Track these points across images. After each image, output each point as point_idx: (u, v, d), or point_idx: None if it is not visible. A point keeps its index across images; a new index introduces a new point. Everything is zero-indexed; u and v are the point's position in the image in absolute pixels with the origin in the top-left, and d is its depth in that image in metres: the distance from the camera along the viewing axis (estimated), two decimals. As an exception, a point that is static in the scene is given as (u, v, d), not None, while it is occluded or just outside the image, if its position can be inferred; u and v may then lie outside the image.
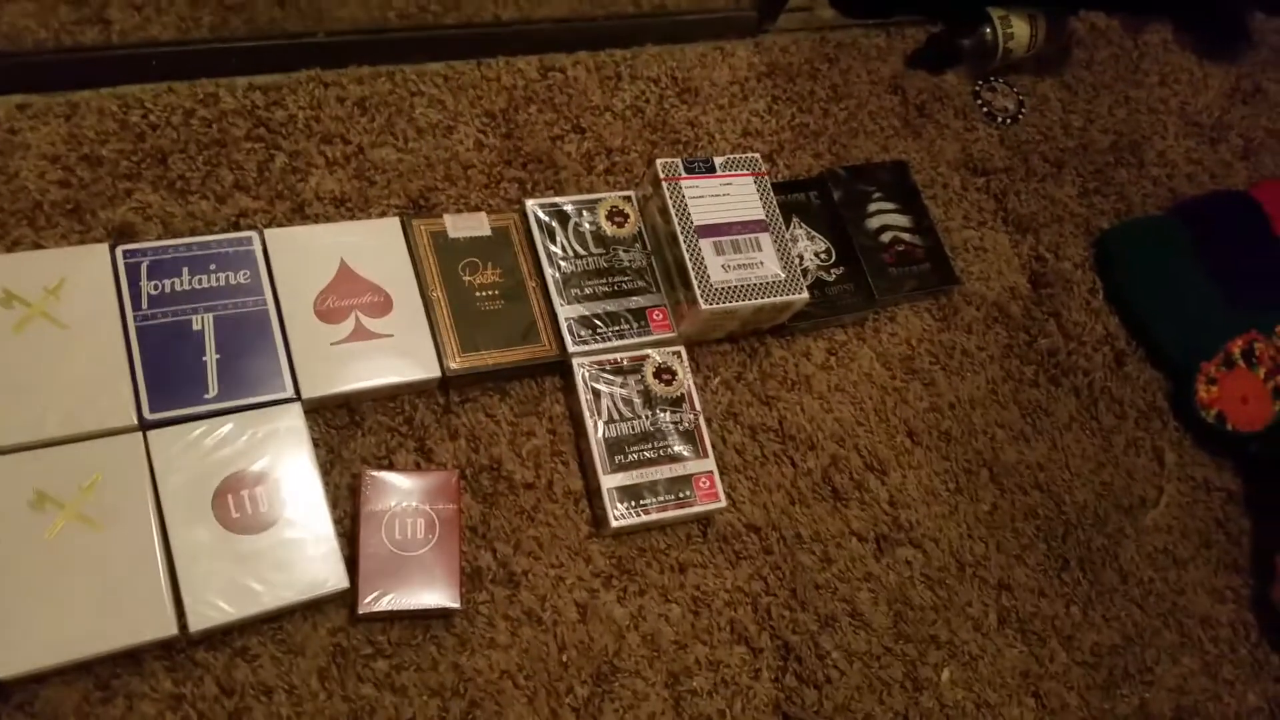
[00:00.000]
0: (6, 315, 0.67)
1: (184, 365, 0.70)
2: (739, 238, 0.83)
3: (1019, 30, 1.11)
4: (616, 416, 0.80)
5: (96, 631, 0.62)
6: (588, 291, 0.83)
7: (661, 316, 0.84)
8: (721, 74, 1.01)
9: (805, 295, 0.83)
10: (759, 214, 0.84)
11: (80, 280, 0.69)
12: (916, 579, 0.87)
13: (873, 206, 0.97)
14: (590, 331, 0.82)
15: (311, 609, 0.69)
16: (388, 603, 0.70)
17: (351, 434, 0.76)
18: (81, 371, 0.67)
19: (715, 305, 0.80)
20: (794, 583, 0.83)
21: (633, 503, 0.78)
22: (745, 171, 0.85)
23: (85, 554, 0.63)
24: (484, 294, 0.81)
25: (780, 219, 0.85)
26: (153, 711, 0.64)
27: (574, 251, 0.84)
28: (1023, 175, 1.11)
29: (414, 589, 0.71)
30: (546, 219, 0.84)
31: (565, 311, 0.82)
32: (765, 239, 0.83)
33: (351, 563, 0.70)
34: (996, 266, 1.04)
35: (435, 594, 0.71)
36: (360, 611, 0.69)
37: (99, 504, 0.64)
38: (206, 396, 0.69)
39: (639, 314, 0.84)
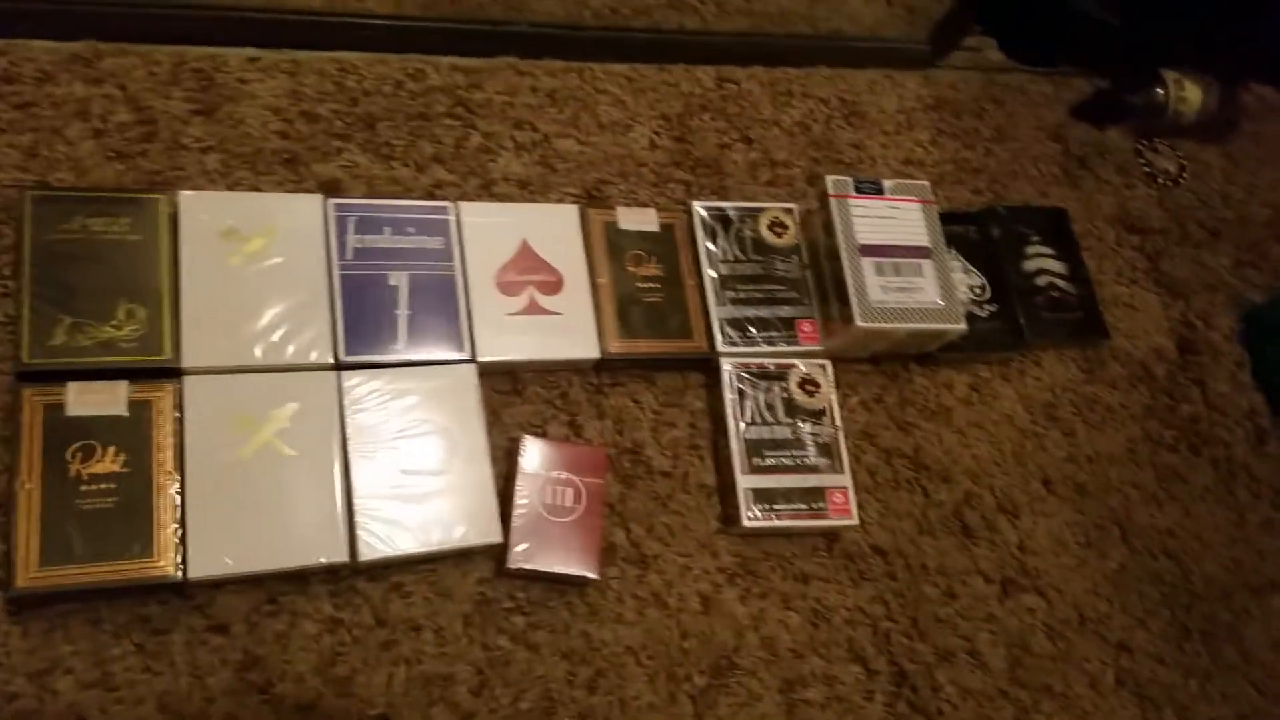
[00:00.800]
0: (226, 247, 0.78)
1: (378, 316, 0.80)
2: (901, 261, 0.91)
3: (1191, 95, 1.18)
4: (758, 420, 0.88)
5: (275, 548, 0.72)
6: (742, 295, 0.92)
7: (810, 328, 0.92)
8: (889, 102, 1.09)
9: (962, 326, 0.91)
10: (924, 240, 0.92)
11: (294, 225, 0.80)
12: (1038, 627, 0.93)
13: (1030, 249, 1.05)
14: (740, 334, 0.90)
15: (463, 557, 0.78)
16: (533, 562, 0.78)
17: (512, 401, 0.85)
18: (287, 308, 0.78)
19: (872, 324, 0.88)
20: (915, 612, 0.90)
21: (766, 506, 0.86)
22: (914, 198, 0.94)
23: (274, 475, 0.73)
24: (645, 285, 0.90)
25: (944, 248, 0.93)
26: (313, 630, 0.74)
27: (733, 255, 0.93)
28: (1178, 239, 1.17)
29: (558, 553, 0.79)
30: (710, 221, 0.93)
31: (719, 312, 0.90)
32: (928, 265, 0.91)
33: (503, 520, 0.79)
34: (1145, 326, 1.10)
35: (576, 562, 0.79)
36: (508, 566, 0.78)
37: (291, 431, 0.74)
38: (395, 347, 0.80)
39: (788, 323, 0.92)
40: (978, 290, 1.00)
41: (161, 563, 0.69)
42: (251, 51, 0.89)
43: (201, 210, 0.79)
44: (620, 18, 1.00)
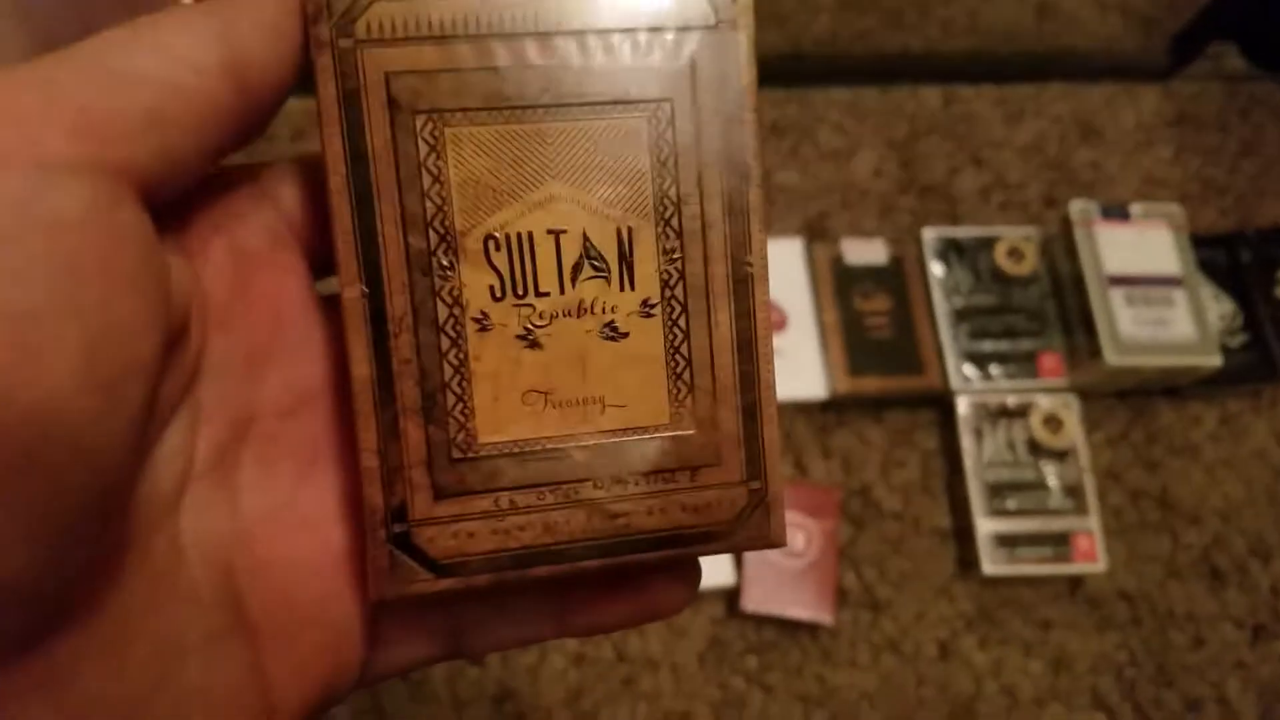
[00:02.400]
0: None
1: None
2: (1152, 291, 0.85)
3: None
4: (997, 460, 0.84)
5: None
6: (977, 328, 0.87)
7: (1053, 363, 0.87)
8: (1127, 117, 1.02)
9: (1218, 360, 0.84)
10: (1175, 268, 0.86)
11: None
12: (1293, 677, 0.86)
13: (1286, 273, 0.96)
14: (977, 369, 0.86)
15: (698, 597, 0.78)
16: (768, 607, 0.77)
17: (743, 440, 0.84)
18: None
19: (1123, 360, 0.82)
20: (1162, 659, 0.84)
21: (1007, 551, 0.82)
22: (1163, 223, 0.87)
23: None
24: (873, 320, 0.87)
25: (1196, 276, 0.86)
26: (560, 665, 0.74)
27: (967, 286, 0.89)
28: None
29: (792, 598, 0.78)
30: (942, 250, 0.90)
31: (953, 346, 0.86)
32: (1180, 295, 0.85)
33: (735, 561, 0.78)
34: None
35: (811, 606, 0.78)
36: (743, 608, 0.77)
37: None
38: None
39: (1029, 357, 0.87)
40: (1226, 318, 0.93)
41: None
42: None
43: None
44: (841, 42, 0.97)
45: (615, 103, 0.29)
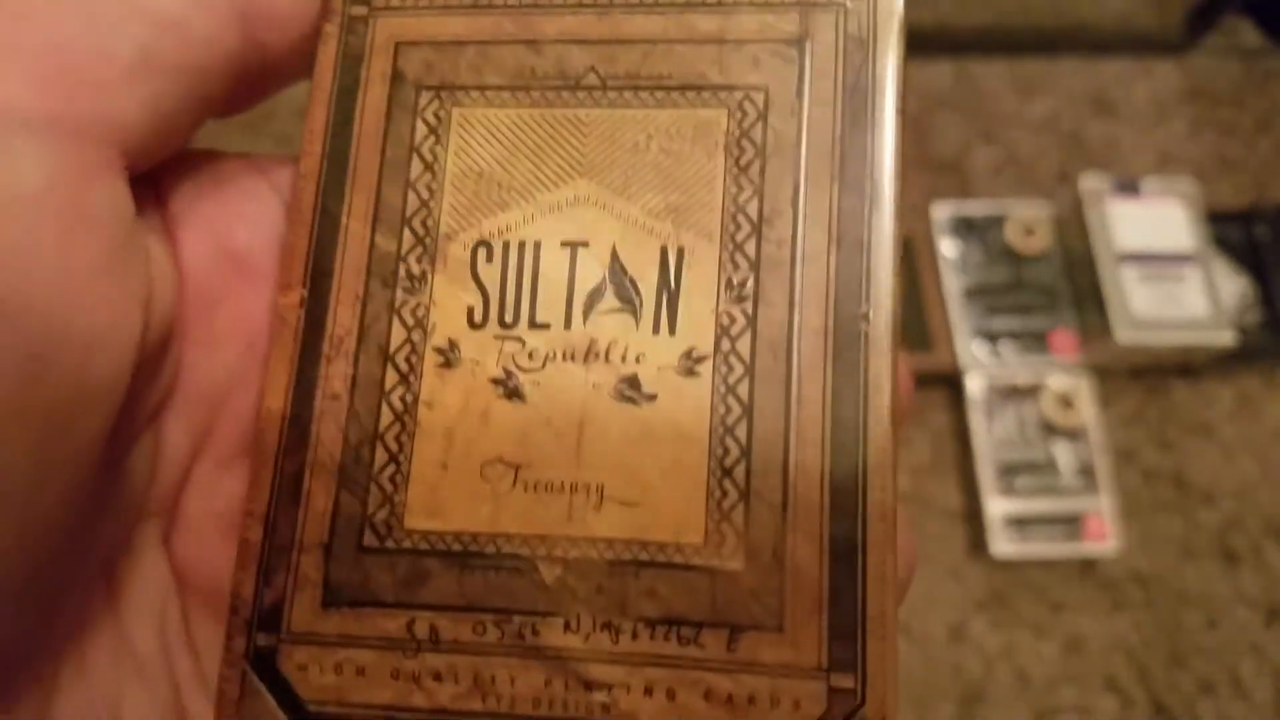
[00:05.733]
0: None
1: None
2: (1164, 268, 0.86)
3: None
4: (1008, 440, 0.85)
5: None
6: (989, 306, 0.88)
7: (1065, 341, 0.88)
8: (1141, 92, 1.03)
9: (1229, 338, 0.85)
10: (1188, 245, 0.87)
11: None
12: (1307, 658, 0.87)
13: (1303, 250, 0.97)
14: (988, 348, 0.87)
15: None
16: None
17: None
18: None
19: (1134, 337, 0.83)
20: (1175, 641, 0.85)
21: (1017, 533, 0.83)
22: (1177, 199, 0.88)
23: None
24: (883, 298, 0.88)
25: (1210, 252, 0.87)
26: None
27: (979, 263, 0.90)
28: None
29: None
30: (953, 227, 0.90)
31: (964, 324, 0.87)
32: (1193, 272, 0.86)
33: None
34: None
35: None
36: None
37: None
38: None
39: (1040, 336, 0.88)
40: (1242, 296, 0.94)
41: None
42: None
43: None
44: (850, 15, 0.98)
45: (686, 88, 0.22)
